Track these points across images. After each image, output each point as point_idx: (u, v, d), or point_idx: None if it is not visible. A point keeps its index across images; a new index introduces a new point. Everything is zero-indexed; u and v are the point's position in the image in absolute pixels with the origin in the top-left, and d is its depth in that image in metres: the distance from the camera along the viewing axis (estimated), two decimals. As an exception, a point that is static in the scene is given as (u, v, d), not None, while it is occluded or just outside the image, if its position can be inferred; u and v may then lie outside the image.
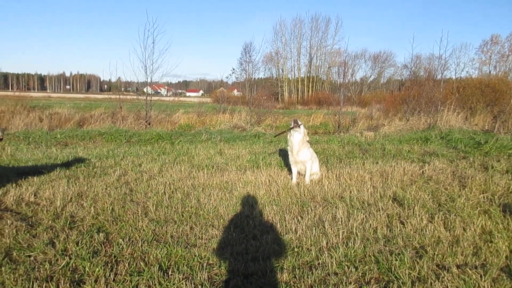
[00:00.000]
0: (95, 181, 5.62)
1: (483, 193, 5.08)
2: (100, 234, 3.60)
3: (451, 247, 3.43)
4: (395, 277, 2.91)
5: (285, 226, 3.98)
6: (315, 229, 3.83)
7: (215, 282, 2.86)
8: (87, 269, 2.92)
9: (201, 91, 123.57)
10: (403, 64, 52.49)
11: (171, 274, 2.91)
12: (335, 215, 4.28)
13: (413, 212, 4.33)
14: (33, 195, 4.76)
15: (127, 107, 15.95)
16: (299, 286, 2.81)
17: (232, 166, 7.12)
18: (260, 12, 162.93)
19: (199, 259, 3.17)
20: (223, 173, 6.40)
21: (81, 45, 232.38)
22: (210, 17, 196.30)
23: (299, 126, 5.69)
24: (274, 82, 57.51)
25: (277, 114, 19.83)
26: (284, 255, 3.29)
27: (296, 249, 3.41)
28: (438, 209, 4.49)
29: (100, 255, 3.18)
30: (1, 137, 4.86)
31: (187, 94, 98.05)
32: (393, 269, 3.00)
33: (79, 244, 3.37)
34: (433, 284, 2.79)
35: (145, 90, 16.06)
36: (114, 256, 3.19)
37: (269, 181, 5.78)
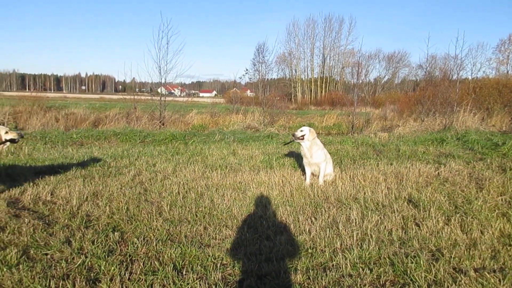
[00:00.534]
0: (110, 180, 5.70)
1: (501, 196, 4.98)
2: (115, 233, 3.65)
3: (468, 250, 3.36)
4: (411, 280, 2.87)
5: (299, 227, 3.96)
6: (329, 230, 3.81)
7: (229, 282, 2.87)
8: (102, 267, 2.95)
9: (214, 92, 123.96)
10: (418, 64, 51.56)
11: (185, 274, 2.92)
12: (349, 217, 4.25)
13: (428, 214, 4.27)
14: (49, 194, 4.85)
15: (141, 108, 16.14)
16: (313, 287, 2.80)
17: (245, 166, 7.13)
18: (273, 13, 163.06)
19: (213, 259, 3.18)
20: (237, 173, 6.41)
21: (97, 46, 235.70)
22: (223, 18, 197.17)
23: (302, 138, 5.69)
24: (287, 82, 57.37)
25: (290, 115, 19.77)
26: (298, 256, 3.28)
27: (310, 250, 3.39)
28: (455, 212, 4.41)
29: (115, 254, 3.22)
30: (17, 141, 4.95)
31: (201, 94, 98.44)
32: (408, 272, 2.96)
33: (95, 243, 3.41)
34: (450, 288, 2.74)
35: (159, 90, 16.23)
36: (129, 255, 3.22)
37: (282, 182, 5.78)
